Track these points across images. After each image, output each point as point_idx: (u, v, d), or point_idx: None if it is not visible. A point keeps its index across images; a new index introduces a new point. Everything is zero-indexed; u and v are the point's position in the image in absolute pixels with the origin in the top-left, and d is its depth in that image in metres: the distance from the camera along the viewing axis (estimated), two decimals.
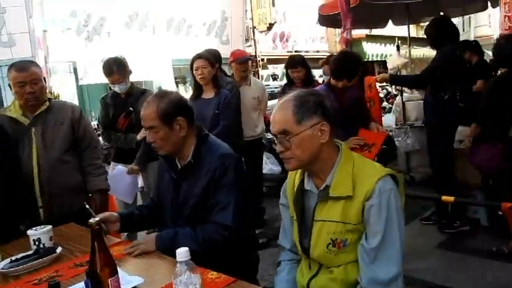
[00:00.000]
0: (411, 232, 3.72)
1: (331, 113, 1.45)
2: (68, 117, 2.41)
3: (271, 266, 1.76)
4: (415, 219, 3.97)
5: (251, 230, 1.98)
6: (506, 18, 3.58)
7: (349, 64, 3.13)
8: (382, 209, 1.37)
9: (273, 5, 13.69)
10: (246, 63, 4.05)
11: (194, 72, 3.46)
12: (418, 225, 3.91)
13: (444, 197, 2.86)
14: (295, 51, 13.83)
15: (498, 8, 3.94)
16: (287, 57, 4.68)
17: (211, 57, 3.51)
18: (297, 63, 3.89)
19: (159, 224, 1.95)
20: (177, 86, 10.53)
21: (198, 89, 3.53)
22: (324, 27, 11.58)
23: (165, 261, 1.58)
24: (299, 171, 1.56)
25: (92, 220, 1.16)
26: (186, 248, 1.13)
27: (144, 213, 1.99)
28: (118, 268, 1.21)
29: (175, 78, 10.39)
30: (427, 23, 4.02)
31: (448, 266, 3.13)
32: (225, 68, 4.40)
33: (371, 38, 15.27)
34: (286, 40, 14.49)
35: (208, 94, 3.49)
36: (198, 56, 3.45)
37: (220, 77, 3.67)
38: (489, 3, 5.40)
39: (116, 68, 3.09)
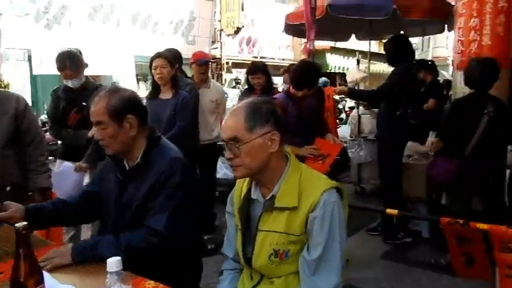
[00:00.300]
0: (358, 242, 3.82)
1: (283, 123, 1.45)
2: (12, 107, 2.28)
3: (217, 274, 1.73)
4: (361, 230, 4.08)
5: (197, 236, 1.95)
6: (459, 42, 3.76)
7: (310, 74, 3.17)
8: (325, 220, 1.39)
9: (242, 9, 13.69)
10: (206, 65, 4.02)
11: (153, 71, 3.39)
12: (364, 235, 4.02)
13: (389, 210, 2.94)
14: (261, 57, 13.88)
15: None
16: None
17: (171, 57, 3.45)
18: (258, 70, 3.91)
19: (100, 226, 1.88)
20: (138, 83, 10.29)
21: (155, 88, 3.47)
22: (291, 36, 11.72)
23: (103, 268, 1.51)
24: (247, 179, 1.55)
25: (18, 224, 1.09)
26: (118, 258, 1.08)
27: (61, 208, 1.81)
28: (49, 275, 1.14)
29: (137, 75, 10.16)
30: None
31: (392, 277, 3.24)
32: (188, 69, 4.35)
33: (335, 50, 15.58)
34: (253, 45, 14.53)
35: (166, 94, 3.43)
36: (158, 55, 3.39)
37: (179, 77, 3.62)
38: (446, 26, 5.64)
39: (69, 62, 2.96)
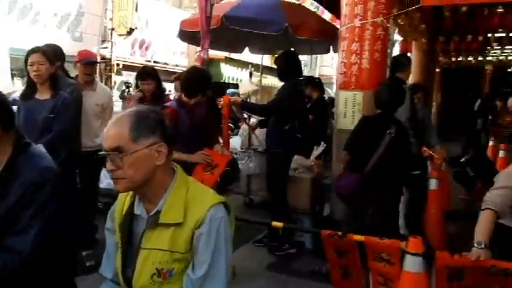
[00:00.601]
0: (245, 254, 3.86)
1: (170, 134, 1.39)
2: None
3: None
4: (249, 242, 4.12)
5: (71, 251, 1.76)
6: (342, 63, 4.06)
7: (202, 81, 3.12)
8: (211, 236, 1.35)
9: (136, 10, 13.20)
10: (92, 65, 3.73)
11: (28, 67, 3.03)
12: (251, 247, 4.07)
13: (274, 223, 3.02)
14: (154, 62, 13.53)
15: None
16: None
17: (51, 53, 3.13)
18: (148, 75, 3.74)
19: None
20: (13, 79, 9.26)
21: (31, 87, 3.11)
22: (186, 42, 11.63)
23: None
24: (130, 193, 1.45)
25: None
26: None
27: None
28: None
29: (12, 70, 9.14)
30: None
31: (276, 287, 3.30)
32: (72, 68, 4.00)
33: (230, 61, 15.86)
34: (146, 48, 14.08)
35: (44, 95, 3.10)
36: (35, 50, 3.04)
37: (60, 77, 3.30)
38: (332, 47, 6.07)
39: None
